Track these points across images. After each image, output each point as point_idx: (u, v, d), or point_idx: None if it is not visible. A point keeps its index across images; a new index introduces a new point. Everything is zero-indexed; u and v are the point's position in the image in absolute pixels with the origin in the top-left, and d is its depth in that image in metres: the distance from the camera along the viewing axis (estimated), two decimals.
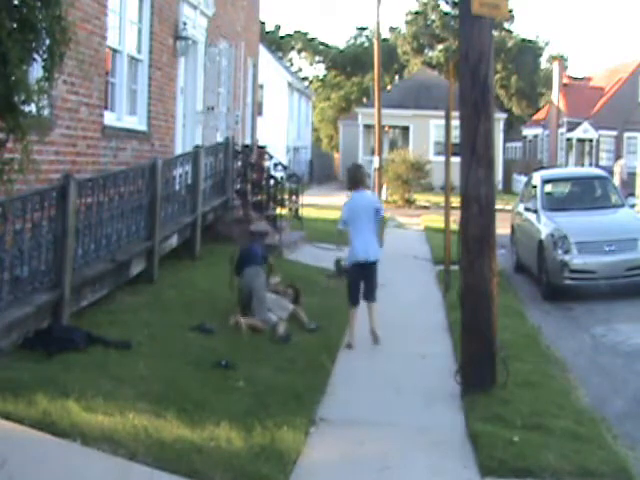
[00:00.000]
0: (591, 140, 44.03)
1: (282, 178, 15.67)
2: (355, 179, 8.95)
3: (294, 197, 15.86)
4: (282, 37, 66.22)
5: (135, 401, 5.69)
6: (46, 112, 6.51)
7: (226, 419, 5.60)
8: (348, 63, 64.72)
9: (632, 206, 13.76)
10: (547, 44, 62.12)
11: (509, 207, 18.91)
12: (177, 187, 11.21)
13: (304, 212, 16.46)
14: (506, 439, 5.64)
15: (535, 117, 53.70)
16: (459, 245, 6.96)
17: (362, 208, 8.72)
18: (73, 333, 6.84)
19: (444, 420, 6.41)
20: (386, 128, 37.89)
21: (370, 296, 8.79)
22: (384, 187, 29.43)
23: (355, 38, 66.98)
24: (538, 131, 50.77)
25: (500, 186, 34.39)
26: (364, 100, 53.13)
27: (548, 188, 14.14)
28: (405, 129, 40.12)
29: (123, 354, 6.79)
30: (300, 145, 41.21)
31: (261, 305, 8.80)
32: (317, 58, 68.02)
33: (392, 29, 62.25)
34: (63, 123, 8.93)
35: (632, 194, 17.47)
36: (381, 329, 8.72)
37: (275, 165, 16.14)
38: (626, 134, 43.82)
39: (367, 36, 64.46)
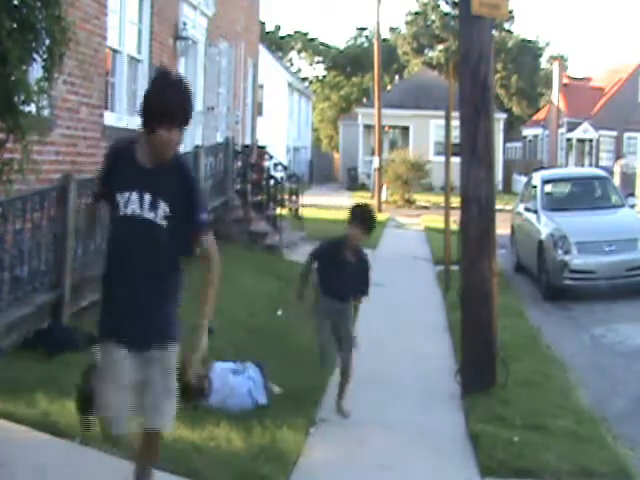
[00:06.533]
0: (591, 140, 44.01)
1: (282, 178, 15.66)
2: None
3: (294, 197, 15.85)
4: (282, 37, 66.17)
5: None
6: (46, 112, 6.53)
7: (226, 419, 5.60)
8: (348, 63, 64.65)
9: (632, 206, 13.75)
10: (547, 44, 62.34)
11: (509, 207, 18.92)
12: None
13: (304, 212, 16.45)
14: (506, 439, 5.63)
15: (535, 117, 53.67)
16: (459, 245, 6.96)
17: None
18: (73, 333, 6.83)
19: (444, 420, 6.40)
20: (386, 128, 37.88)
21: None
22: (384, 187, 29.41)
23: (355, 38, 66.91)
24: (538, 131, 50.74)
25: (500, 186, 34.37)
26: (364, 100, 53.07)
27: (548, 188, 14.12)
28: (405, 129, 40.12)
29: None
30: (300, 145, 41.21)
31: None
32: (317, 58, 67.94)
33: (392, 29, 62.26)
34: (63, 123, 8.93)
35: (632, 194, 17.43)
36: (382, 329, 8.71)
37: (275, 165, 16.13)
38: (626, 134, 43.80)
39: (367, 36, 64.39)
